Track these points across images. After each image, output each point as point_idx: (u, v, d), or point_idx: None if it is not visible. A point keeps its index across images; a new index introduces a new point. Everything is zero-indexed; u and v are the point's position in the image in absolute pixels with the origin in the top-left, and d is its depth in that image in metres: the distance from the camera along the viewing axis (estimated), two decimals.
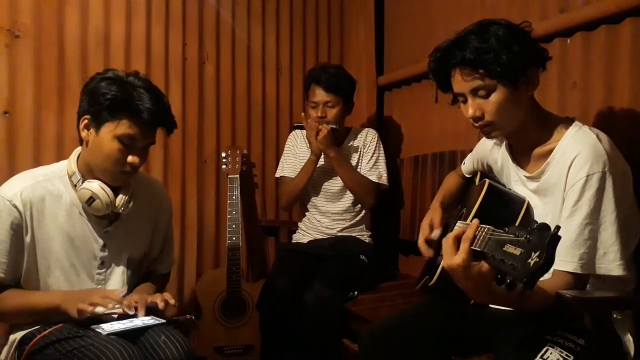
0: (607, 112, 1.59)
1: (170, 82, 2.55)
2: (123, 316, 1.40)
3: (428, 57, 1.36)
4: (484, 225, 1.02)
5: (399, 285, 2.26)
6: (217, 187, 2.69)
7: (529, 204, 1.31)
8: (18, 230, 1.42)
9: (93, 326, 1.37)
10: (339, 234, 2.34)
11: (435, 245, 1.53)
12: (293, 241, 2.46)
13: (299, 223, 2.47)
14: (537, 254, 0.83)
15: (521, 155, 1.38)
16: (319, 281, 2.02)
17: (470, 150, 1.67)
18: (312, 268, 2.13)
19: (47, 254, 1.46)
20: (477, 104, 1.26)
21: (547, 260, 0.83)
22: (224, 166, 2.49)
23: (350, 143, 2.38)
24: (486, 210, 1.34)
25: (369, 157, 2.34)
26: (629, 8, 1.52)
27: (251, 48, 2.78)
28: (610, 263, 1.16)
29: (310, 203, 2.39)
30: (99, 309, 1.37)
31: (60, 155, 2.23)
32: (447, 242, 1.07)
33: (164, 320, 1.42)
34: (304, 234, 2.41)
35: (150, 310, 1.43)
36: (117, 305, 1.39)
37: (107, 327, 1.35)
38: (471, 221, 1.06)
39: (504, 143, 1.45)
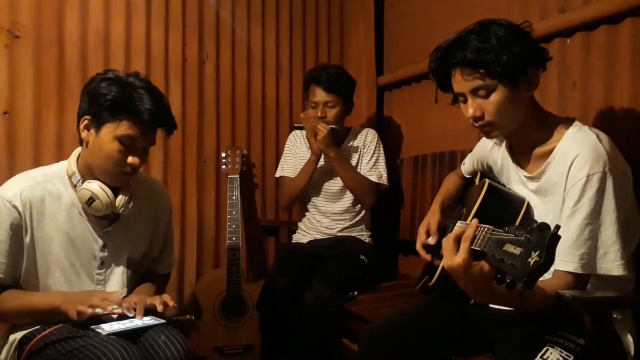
0: (607, 112, 1.59)
1: (170, 82, 2.55)
2: (123, 316, 1.40)
3: (428, 57, 1.36)
4: (483, 225, 1.02)
5: (398, 285, 2.26)
6: (217, 187, 2.69)
7: (529, 204, 1.31)
8: (17, 230, 1.41)
9: (93, 326, 1.36)
10: (339, 234, 2.34)
11: (433, 250, 1.54)
12: (293, 241, 2.46)
13: (299, 223, 2.47)
14: (537, 253, 0.83)
15: (521, 155, 1.38)
16: (319, 281, 2.02)
17: (470, 150, 1.67)
18: (312, 268, 2.13)
19: (46, 254, 1.46)
20: (477, 103, 1.26)
21: (547, 259, 0.83)
22: (223, 166, 2.49)
23: (350, 143, 2.38)
24: (486, 210, 1.34)
25: (368, 157, 2.34)
26: (628, 8, 1.52)
27: (251, 48, 2.78)
28: (611, 263, 1.16)
29: (310, 203, 2.39)
30: (99, 310, 1.37)
31: (60, 156, 2.23)
32: (448, 242, 1.07)
33: (163, 320, 1.41)
34: (303, 234, 2.41)
35: (150, 311, 1.43)
36: (116, 308, 1.39)
37: (107, 327, 1.35)
38: (471, 221, 1.06)
39: (504, 143, 1.45)
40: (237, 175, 2.46)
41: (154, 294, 1.55)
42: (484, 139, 1.54)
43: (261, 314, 2.18)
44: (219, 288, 2.37)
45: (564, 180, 1.21)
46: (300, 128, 2.34)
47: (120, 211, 1.48)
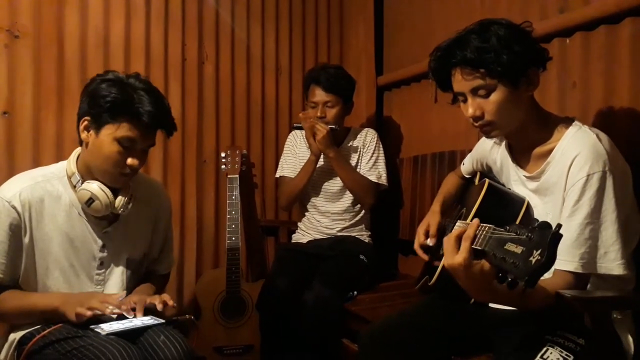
0: (606, 111, 1.59)
1: (169, 82, 2.55)
2: (122, 316, 1.40)
3: (428, 56, 1.36)
4: (484, 224, 1.02)
5: (398, 285, 2.26)
6: (217, 187, 2.69)
7: (528, 204, 1.31)
8: (17, 231, 1.41)
9: (92, 326, 1.36)
10: (339, 234, 2.34)
11: (432, 251, 1.54)
12: (292, 241, 2.45)
13: (299, 223, 2.46)
14: (539, 252, 0.83)
15: (521, 155, 1.38)
16: (319, 281, 2.02)
17: (470, 150, 1.67)
18: (311, 268, 2.13)
19: (45, 254, 1.46)
20: (477, 103, 1.26)
21: (549, 258, 0.83)
22: (223, 166, 2.49)
23: (350, 143, 2.38)
24: (486, 210, 1.34)
25: (368, 157, 2.34)
26: (628, 8, 1.52)
27: (250, 48, 2.78)
28: (611, 262, 1.16)
29: (309, 203, 2.39)
30: (98, 312, 1.37)
31: (60, 156, 2.23)
32: (449, 241, 1.07)
33: (163, 320, 1.41)
34: (303, 234, 2.41)
35: (150, 310, 1.43)
36: (115, 310, 1.39)
37: (106, 327, 1.35)
38: (471, 221, 1.06)
39: (504, 143, 1.45)
40: (237, 175, 2.46)
41: (153, 294, 1.55)
42: (483, 138, 1.54)
43: (261, 314, 2.17)
44: (218, 288, 2.36)
45: (563, 180, 1.21)
46: (300, 128, 2.34)
47: (120, 212, 1.48)
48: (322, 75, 2.25)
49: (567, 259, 1.16)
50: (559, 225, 0.86)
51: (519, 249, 0.87)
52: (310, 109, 2.30)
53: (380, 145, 2.38)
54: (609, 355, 1.12)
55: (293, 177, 2.36)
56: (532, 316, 1.20)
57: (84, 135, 1.43)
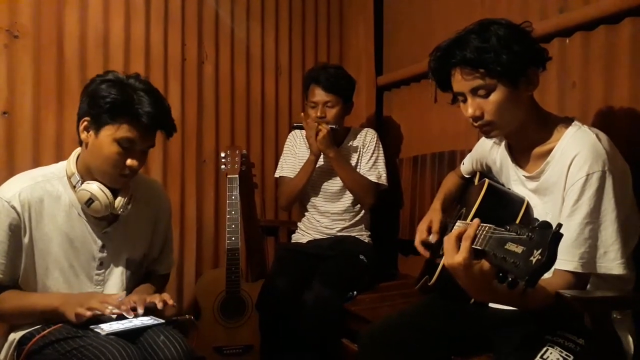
0: (606, 111, 1.59)
1: (169, 82, 2.55)
2: (122, 316, 1.40)
3: (428, 56, 1.36)
4: (485, 224, 1.02)
5: (398, 285, 2.26)
6: (217, 187, 2.68)
7: (528, 204, 1.31)
8: (16, 231, 1.41)
9: (92, 326, 1.36)
10: (339, 233, 2.34)
11: (433, 248, 1.54)
12: (292, 241, 2.45)
13: (299, 223, 2.46)
14: (539, 251, 0.83)
15: (520, 155, 1.38)
16: (319, 281, 2.02)
17: (470, 150, 1.67)
18: (311, 268, 2.13)
19: (45, 255, 1.46)
20: (476, 103, 1.26)
21: (550, 257, 0.83)
22: (223, 166, 2.49)
23: (350, 143, 2.38)
24: (486, 210, 1.34)
25: (368, 157, 2.34)
26: (628, 8, 1.52)
27: (250, 48, 2.78)
28: (611, 262, 1.16)
29: (309, 203, 2.39)
30: (97, 313, 1.37)
31: (60, 156, 2.23)
32: (449, 240, 1.07)
33: (163, 320, 1.41)
34: (303, 234, 2.40)
35: (150, 310, 1.43)
36: (115, 310, 1.39)
37: (106, 327, 1.35)
38: (471, 221, 1.06)
39: (503, 143, 1.45)
40: (237, 175, 2.46)
41: (153, 294, 1.55)
42: (483, 138, 1.54)
43: (261, 314, 2.17)
44: (218, 288, 2.36)
45: (563, 180, 1.21)
46: (300, 128, 2.34)
47: (120, 212, 1.48)
48: (322, 75, 2.25)
49: (566, 259, 1.16)
50: (560, 225, 0.86)
51: (519, 249, 0.87)
52: (310, 109, 2.30)
53: (380, 145, 2.38)
54: (609, 355, 1.12)
55: (293, 177, 2.36)
56: (532, 316, 1.20)
57: (83, 135, 1.43)
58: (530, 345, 1.17)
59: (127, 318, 1.40)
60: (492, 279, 1.00)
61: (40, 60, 2.28)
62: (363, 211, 2.37)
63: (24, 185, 1.43)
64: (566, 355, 1.13)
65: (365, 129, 2.44)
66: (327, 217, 2.35)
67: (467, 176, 1.70)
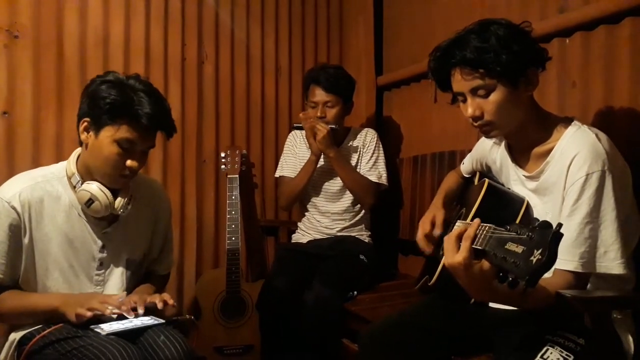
0: (606, 111, 1.59)
1: (169, 82, 2.55)
2: (122, 316, 1.40)
3: (428, 56, 1.36)
4: (485, 224, 1.02)
5: (398, 285, 2.26)
6: (217, 187, 2.69)
7: (528, 204, 1.31)
8: (16, 231, 1.41)
9: (92, 326, 1.36)
10: (339, 233, 2.34)
11: (435, 243, 1.53)
12: (292, 241, 2.46)
13: (299, 223, 2.46)
14: (540, 251, 0.83)
15: (520, 154, 1.38)
16: (319, 281, 2.02)
17: (470, 150, 1.67)
18: (311, 268, 2.13)
19: (45, 255, 1.46)
20: (476, 103, 1.26)
21: (550, 257, 0.83)
22: (223, 166, 2.49)
23: (350, 143, 2.38)
24: (486, 210, 1.34)
25: (368, 157, 2.34)
26: (628, 8, 1.52)
27: (250, 48, 2.78)
28: (611, 262, 1.16)
29: (309, 203, 2.39)
30: (98, 313, 1.37)
31: (60, 156, 2.23)
32: (449, 240, 1.07)
33: (163, 320, 1.41)
34: (303, 234, 2.41)
35: (150, 310, 1.43)
36: (115, 310, 1.39)
37: (106, 327, 1.35)
38: (471, 221, 1.06)
39: (503, 143, 1.45)
40: (237, 175, 2.46)
41: (153, 294, 1.55)
42: (483, 138, 1.54)
43: (261, 314, 2.17)
44: (218, 288, 2.36)
45: (563, 180, 1.21)
46: (300, 128, 2.34)
47: (120, 212, 1.48)
48: (322, 75, 2.25)
49: (566, 259, 1.16)
50: (560, 225, 0.86)
51: (519, 249, 0.87)
52: (310, 109, 2.30)
53: (380, 145, 2.38)
54: (609, 355, 1.12)
55: (293, 177, 2.36)
56: (532, 316, 1.20)
57: (83, 136, 1.43)
58: (530, 345, 1.17)
59: (127, 318, 1.40)
60: (492, 278, 1.00)
61: (40, 60, 2.28)
62: (363, 211, 2.37)
63: (24, 186, 1.43)
64: (566, 355, 1.13)
65: (366, 129, 2.44)
66: (327, 217, 2.35)
67: (467, 176, 1.70)
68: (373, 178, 2.31)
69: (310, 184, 2.33)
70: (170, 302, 1.43)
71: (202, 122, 2.65)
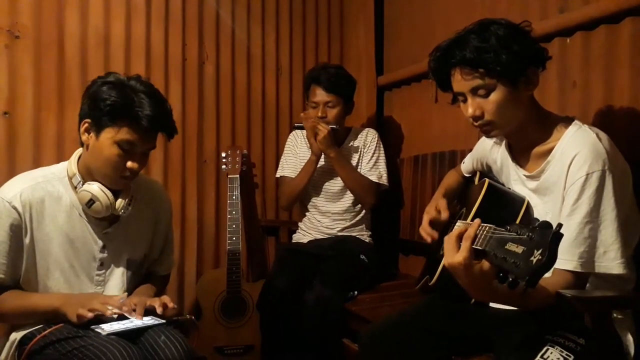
0: (606, 111, 1.59)
1: (170, 82, 2.56)
2: (123, 316, 1.40)
3: (428, 56, 1.36)
4: (485, 224, 1.02)
5: (399, 285, 2.26)
6: (217, 187, 2.69)
7: (528, 203, 1.31)
8: (17, 231, 1.41)
9: (93, 326, 1.36)
10: (339, 233, 2.34)
11: (440, 230, 1.53)
12: (293, 241, 2.46)
13: (299, 223, 2.46)
14: (540, 251, 0.83)
15: (521, 154, 1.38)
16: (319, 281, 2.02)
17: (470, 150, 1.67)
18: (312, 268, 2.13)
19: (46, 255, 1.46)
20: (476, 103, 1.26)
21: (550, 258, 0.83)
22: (223, 166, 2.49)
23: (351, 143, 2.38)
24: (486, 209, 1.34)
25: (369, 157, 2.34)
26: (628, 8, 1.52)
27: (251, 48, 2.78)
28: (611, 262, 1.16)
29: (310, 203, 2.39)
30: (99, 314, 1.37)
31: (60, 156, 2.23)
32: (449, 240, 1.07)
33: (163, 321, 1.41)
34: (304, 234, 2.41)
35: (150, 311, 1.43)
36: (116, 311, 1.39)
37: (106, 327, 1.35)
38: (471, 220, 1.06)
39: (504, 142, 1.45)
40: (237, 175, 2.46)
41: (153, 295, 1.55)
42: (483, 138, 1.54)
43: (261, 314, 2.18)
44: (219, 288, 2.36)
45: (563, 179, 1.21)
46: (301, 128, 2.34)
47: (120, 213, 1.48)
48: (323, 75, 2.25)
49: (566, 258, 1.16)
50: (560, 225, 0.86)
51: (519, 249, 0.87)
52: (311, 109, 2.30)
53: (381, 145, 2.38)
54: (609, 354, 1.12)
55: (293, 177, 2.36)
56: (532, 316, 1.20)
57: (84, 137, 1.43)
58: (530, 345, 1.17)
59: (128, 318, 1.40)
60: (493, 279, 1.00)
61: (41, 60, 2.29)
62: (364, 211, 2.37)
63: (25, 186, 1.43)
64: (567, 355, 1.13)
65: (366, 129, 2.44)
66: (328, 217, 2.35)
67: (467, 175, 1.71)
68: (374, 178, 2.31)
69: (311, 184, 2.33)
70: (170, 305, 1.43)
71: (203, 122, 2.65)
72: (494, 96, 1.24)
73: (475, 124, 1.30)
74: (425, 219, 1.55)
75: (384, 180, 2.33)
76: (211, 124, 2.67)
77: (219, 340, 2.34)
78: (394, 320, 1.48)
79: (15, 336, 1.44)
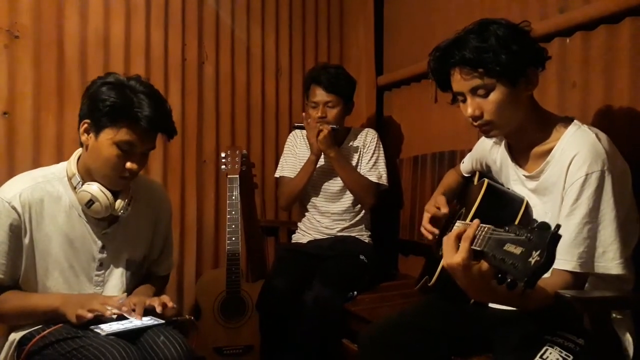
0: (606, 111, 1.59)
1: (169, 82, 2.56)
2: (122, 317, 1.40)
3: (428, 56, 1.36)
4: (484, 225, 1.02)
5: (398, 285, 2.26)
6: (217, 187, 2.69)
7: (527, 204, 1.31)
8: (17, 231, 1.41)
9: (92, 326, 1.37)
10: (339, 234, 2.34)
11: (441, 226, 1.52)
12: (292, 241, 2.46)
13: (299, 223, 2.46)
14: (538, 252, 0.83)
15: (520, 154, 1.38)
16: (319, 281, 2.02)
17: (470, 150, 1.67)
18: (311, 268, 2.13)
19: (45, 255, 1.46)
20: (476, 103, 1.26)
21: (548, 259, 0.83)
22: (223, 166, 2.49)
23: (350, 143, 2.38)
24: (485, 210, 1.34)
25: (368, 157, 2.34)
26: (628, 8, 1.52)
27: (250, 48, 2.78)
28: (610, 262, 1.15)
29: (310, 203, 2.39)
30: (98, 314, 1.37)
31: (60, 157, 2.23)
32: (448, 241, 1.07)
33: (163, 321, 1.42)
34: (303, 234, 2.41)
35: (149, 311, 1.43)
36: (116, 312, 1.39)
37: (106, 328, 1.35)
38: (471, 221, 1.06)
39: (503, 142, 1.45)
40: (237, 175, 2.46)
41: (152, 295, 1.55)
42: (483, 138, 1.54)
43: (261, 314, 2.18)
44: (218, 288, 2.36)
45: (562, 179, 1.21)
46: (301, 128, 2.34)
47: (120, 213, 1.48)
48: (323, 75, 2.25)
49: (565, 259, 1.16)
50: (558, 226, 0.86)
51: (518, 250, 0.87)
52: (311, 109, 2.30)
53: (381, 145, 2.38)
54: (608, 355, 1.12)
55: (293, 177, 2.36)
56: (531, 316, 1.20)
57: (83, 137, 1.43)
58: (529, 345, 1.17)
59: (127, 318, 1.40)
60: (491, 279, 1.00)
61: (40, 60, 2.29)
62: (363, 211, 2.37)
63: (25, 186, 1.43)
64: (566, 355, 1.13)
65: (366, 129, 2.44)
66: (327, 217, 2.35)
67: (466, 175, 1.71)
68: (373, 178, 2.31)
69: (311, 184, 2.33)
70: (170, 304, 1.43)
71: (203, 122, 2.65)
72: (494, 96, 1.24)
73: (475, 124, 1.30)
74: (426, 217, 1.56)
75: (384, 180, 2.33)
76: (211, 124, 2.67)
77: (218, 341, 2.34)
78: (393, 320, 1.48)
79: (15, 336, 1.44)
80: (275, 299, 2.07)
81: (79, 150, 1.50)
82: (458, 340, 1.39)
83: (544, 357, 1.13)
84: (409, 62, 2.56)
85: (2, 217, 1.40)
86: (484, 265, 1.00)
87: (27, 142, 2.26)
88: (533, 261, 0.83)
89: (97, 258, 1.51)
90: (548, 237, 0.84)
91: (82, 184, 1.44)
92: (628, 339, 1.20)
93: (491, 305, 1.35)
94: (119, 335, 1.34)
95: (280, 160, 2.48)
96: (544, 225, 0.87)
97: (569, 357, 1.12)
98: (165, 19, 2.54)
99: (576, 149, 1.19)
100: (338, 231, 2.34)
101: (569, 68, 1.72)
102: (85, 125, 1.42)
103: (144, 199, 1.59)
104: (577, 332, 1.16)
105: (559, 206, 1.22)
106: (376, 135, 2.40)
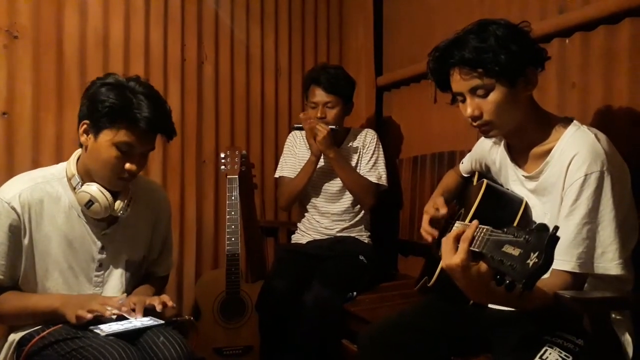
0: (605, 112, 1.59)
1: (169, 82, 2.56)
2: (122, 317, 1.40)
3: (427, 57, 1.36)
4: (482, 226, 1.02)
5: (398, 285, 2.25)
6: (216, 187, 2.69)
7: (527, 204, 1.31)
8: (16, 232, 1.41)
9: (92, 327, 1.36)
10: (338, 234, 2.34)
11: (441, 227, 1.52)
12: (292, 242, 2.45)
13: (298, 224, 2.46)
14: (536, 254, 0.83)
15: (520, 155, 1.38)
16: (318, 282, 2.01)
17: (469, 151, 1.67)
18: (311, 268, 2.13)
19: (45, 256, 1.46)
20: (475, 103, 1.26)
21: (546, 260, 0.83)
22: (222, 167, 2.49)
23: (350, 144, 2.38)
24: (484, 210, 1.34)
25: (368, 158, 2.34)
26: (627, 8, 1.52)
27: (250, 49, 2.78)
28: (609, 262, 1.15)
29: (309, 204, 2.39)
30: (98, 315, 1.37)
31: (59, 157, 2.23)
32: (447, 241, 1.07)
33: (162, 321, 1.41)
34: (303, 235, 2.40)
35: (149, 311, 1.43)
36: (115, 312, 1.39)
37: (105, 328, 1.35)
38: (470, 222, 1.06)
39: (503, 143, 1.45)
40: (236, 176, 2.45)
41: (152, 295, 1.55)
42: (482, 138, 1.54)
43: (260, 314, 2.17)
44: (218, 289, 2.36)
45: (562, 180, 1.21)
46: (300, 128, 2.34)
47: (119, 214, 1.48)
48: (323, 76, 2.25)
49: (564, 259, 1.16)
50: (556, 228, 0.86)
51: (516, 252, 0.87)
52: (310, 110, 2.30)
53: (380, 146, 2.38)
54: (608, 355, 1.12)
55: (292, 177, 2.36)
56: (530, 317, 1.20)
57: (83, 138, 1.43)
58: (529, 345, 1.17)
59: (127, 319, 1.40)
60: (490, 280, 1.00)
61: (39, 60, 2.28)
62: (363, 212, 2.37)
63: (24, 187, 1.43)
64: (565, 355, 1.13)
65: (365, 129, 2.44)
66: (327, 217, 2.35)
67: (465, 175, 1.71)
68: (373, 179, 2.31)
69: (310, 185, 2.33)
70: (170, 303, 1.43)
71: (202, 123, 2.65)
72: (493, 96, 1.24)
73: (474, 124, 1.30)
74: (425, 219, 1.56)
75: (383, 180, 2.33)
76: (210, 124, 2.67)
77: (217, 341, 2.34)
78: (393, 321, 1.48)
79: (14, 337, 1.44)
80: (274, 299, 2.07)
81: (79, 151, 1.50)
82: (457, 341, 1.39)
83: (544, 357, 1.12)
84: (408, 62, 2.57)
85: (2, 217, 1.40)
86: (483, 266, 1.00)
87: (26, 142, 2.26)
88: (531, 263, 0.83)
89: (97, 259, 1.51)
90: (546, 239, 0.84)
91: (82, 185, 1.44)
92: (627, 340, 1.20)
93: (490, 305, 1.35)
94: (118, 335, 1.34)
95: (280, 160, 2.48)
96: (542, 227, 0.87)
97: (568, 357, 1.12)
98: (165, 19, 2.54)
99: (575, 150, 1.19)
100: (337, 231, 2.34)
101: (569, 68, 1.72)
102: (85, 126, 1.42)
103: (143, 200, 1.59)
104: (576, 333, 1.16)
105: (558, 206, 1.22)
106: (376, 136, 2.40)
